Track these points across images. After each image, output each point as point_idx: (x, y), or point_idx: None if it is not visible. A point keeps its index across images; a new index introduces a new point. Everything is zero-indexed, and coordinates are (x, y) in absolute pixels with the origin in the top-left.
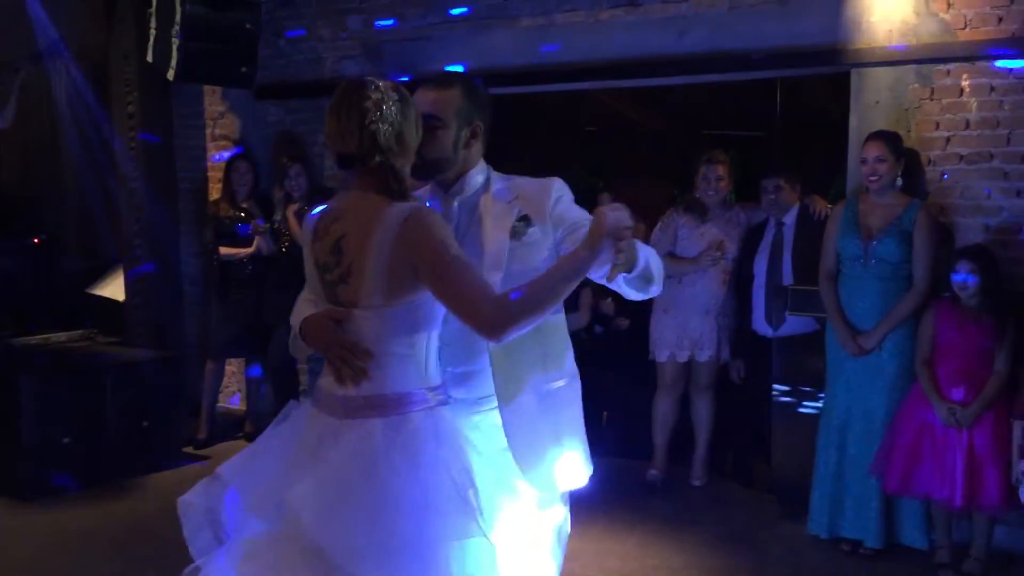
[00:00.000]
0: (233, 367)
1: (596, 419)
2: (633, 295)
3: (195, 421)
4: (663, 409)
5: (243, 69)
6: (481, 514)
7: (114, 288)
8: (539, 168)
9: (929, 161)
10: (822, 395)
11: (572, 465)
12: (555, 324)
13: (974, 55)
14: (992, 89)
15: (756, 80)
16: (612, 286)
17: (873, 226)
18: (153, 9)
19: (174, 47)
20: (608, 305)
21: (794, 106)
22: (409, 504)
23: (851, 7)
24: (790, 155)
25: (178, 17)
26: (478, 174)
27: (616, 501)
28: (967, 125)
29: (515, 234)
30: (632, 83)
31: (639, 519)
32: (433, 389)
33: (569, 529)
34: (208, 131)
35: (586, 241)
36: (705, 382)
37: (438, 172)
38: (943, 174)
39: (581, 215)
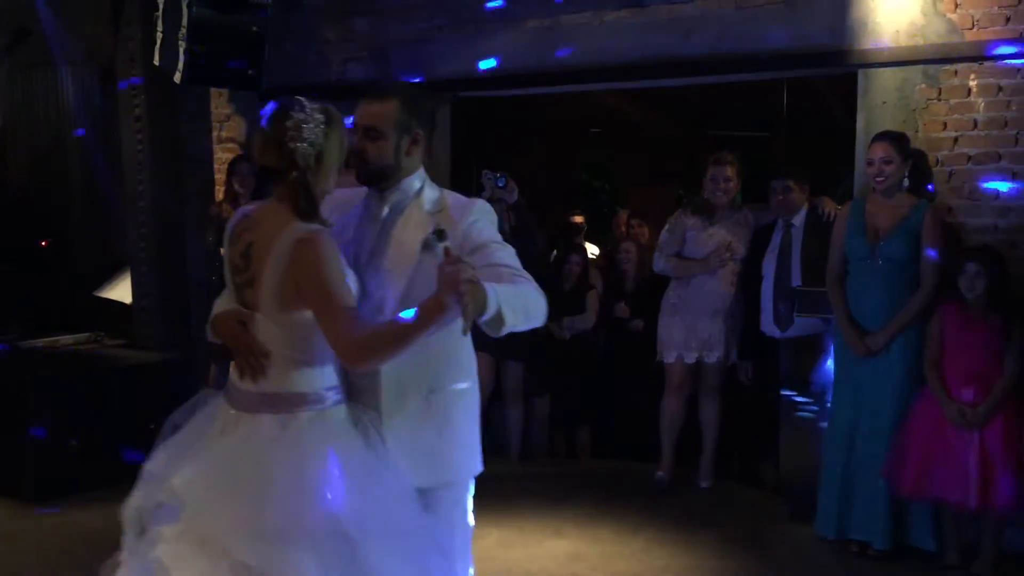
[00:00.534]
0: None
1: (605, 420)
2: (495, 335)
3: None
4: (671, 411)
5: (250, 72)
6: (362, 506)
7: (121, 291)
8: (544, 169)
9: (937, 161)
10: (830, 396)
11: (455, 462)
12: (446, 335)
13: (981, 55)
14: (1000, 89)
15: (762, 81)
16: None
17: (880, 226)
18: (160, 12)
19: (181, 50)
20: (622, 308)
21: (800, 107)
22: (292, 494)
23: (858, 8)
24: (796, 156)
25: (185, 20)
26: (415, 180)
27: (623, 502)
28: (975, 125)
29: (426, 246)
30: (638, 84)
31: (646, 520)
32: (329, 388)
33: (472, 524)
34: (215, 133)
35: (434, 295)
36: (713, 383)
37: (383, 179)
38: (950, 174)
39: (488, 239)
